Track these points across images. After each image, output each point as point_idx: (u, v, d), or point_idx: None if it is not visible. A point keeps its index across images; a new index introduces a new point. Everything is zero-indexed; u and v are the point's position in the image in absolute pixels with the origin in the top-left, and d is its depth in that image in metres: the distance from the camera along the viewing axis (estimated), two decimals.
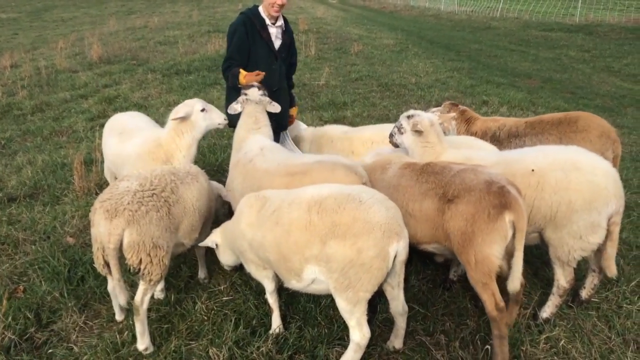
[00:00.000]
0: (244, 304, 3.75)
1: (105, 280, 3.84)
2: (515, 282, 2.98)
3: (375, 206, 2.84)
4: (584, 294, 3.59)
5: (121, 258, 3.19)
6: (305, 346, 3.27)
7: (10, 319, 3.59)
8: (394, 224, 2.81)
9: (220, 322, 3.55)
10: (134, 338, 3.42)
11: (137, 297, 3.28)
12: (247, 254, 3.32)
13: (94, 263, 4.14)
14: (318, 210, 2.89)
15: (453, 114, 5.10)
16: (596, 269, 3.52)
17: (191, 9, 28.36)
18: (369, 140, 4.87)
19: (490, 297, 3.00)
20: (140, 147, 4.46)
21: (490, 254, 2.97)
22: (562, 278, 3.38)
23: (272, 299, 3.44)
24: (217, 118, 4.47)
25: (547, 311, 3.47)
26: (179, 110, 4.41)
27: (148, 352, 3.32)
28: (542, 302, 3.63)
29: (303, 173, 3.51)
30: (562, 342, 3.26)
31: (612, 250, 3.27)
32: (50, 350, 3.41)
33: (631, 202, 5.33)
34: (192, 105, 4.43)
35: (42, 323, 3.67)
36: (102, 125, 5.15)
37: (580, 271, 3.71)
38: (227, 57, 4.89)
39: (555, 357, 3.17)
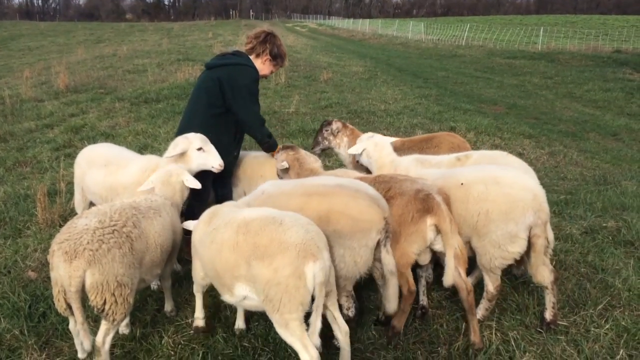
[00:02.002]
0: (212, 337, 3.66)
1: (67, 317, 3.70)
2: (448, 277, 3.34)
3: (294, 228, 2.91)
4: (547, 315, 3.67)
5: (84, 298, 3.08)
6: None
7: None
8: (311, 245, 2.85)
9: (188, 357, 3.45)
10: None
11: (99, 337, 3.15)
12: (196, 261, 3.53)
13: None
14: (244, 232, 2.99)
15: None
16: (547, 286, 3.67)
17: (161, 37, 28.41)
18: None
19: (404, 282, 3.48)
20: (138, 175, 4.37)
21: (409, 251, 3.43)
22: (490, 284, 3.65)
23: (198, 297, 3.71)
24: (212, 161, 4.31)
25: (479, 313, 3.68)
26: (177, 144, 4.27)
27: None
28: (510, 327, 3.65)
29: (321, 196, 3.38)
30: None
31: (536, 260, 3.48)
32: None
33: (595, 225, 5.45)
34: (191, 141, 4.31)
35: None
36: (68, 155, 5.04)
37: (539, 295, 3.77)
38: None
39: None
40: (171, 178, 4.01)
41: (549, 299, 3.64)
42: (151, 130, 9.62)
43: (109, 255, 3.08)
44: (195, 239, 3.45)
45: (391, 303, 3.37)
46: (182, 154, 4.31)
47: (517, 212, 3.37)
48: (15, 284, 4.36)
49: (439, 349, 3.44)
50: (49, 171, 7.54)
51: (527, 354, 3.35)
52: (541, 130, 10.62)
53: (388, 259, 3.29)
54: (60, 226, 5.29)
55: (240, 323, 3.77)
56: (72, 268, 2.98)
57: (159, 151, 8.02)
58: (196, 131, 4.63)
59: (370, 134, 4.58)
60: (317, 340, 2.86)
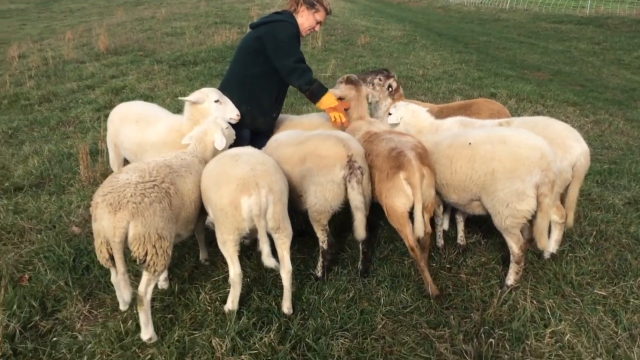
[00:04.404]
0: (247, 295, 3.75)
1: (109, 270, 3.83)
2: (418, 229, 3.57)
3: (242, 165, 3.40)
4: (551, 248, 3.99)
5: (125, 249, 3.19)
6: (307, 337, 3.26)
7: (15, 307, 3.61)
8: (250, 181, 3.29)
9: (224, 313, 3.54)
10: (137, 327, 3.43)
11: (141, 287, 3.27)
12: None
13: None
14: (217, 164, 3.61)
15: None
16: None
17: (198, 0, 28.29)
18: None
19: (405, 238, 3.69)
20: (165, 134, 4.48)
21: (393, 205, 3.68)
22: (513, 245, 3.67)
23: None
24: (229, 112, 4.41)
25: (510, 279, 3.70)
26: (192, 95, 4.40)
27: (152, 341, 3.32)
28: (546, 295, 3.60)
29: (302, 143, 3.94)
30: (567, 336, 3.22)
31: (542, 222, 3.49)
32: (54, 339, 3.41)
33: (639, 196, 5.27)
34: (207, 94, 4.38)
35: (47, 312, 3.68)
36: (109, 116, 5.11)
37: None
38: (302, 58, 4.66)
39: (561, 352, 3.13)
40: (206, 136, 4.04)
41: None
42: (189, 93, 9.62)
43: (151, 209, 3.18)
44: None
45: (359, 231, 3.71)
46: (202, 109, 4.35)
47: (523, 170, 3.43)
48: (60, 238, 4.53)
49: (472, 314, 3.43)
50: (90, 131, 7.72)
51: (563, 322, 3.30)
52: (586, 98, 10.22)
53: (353, 195, 3.67)
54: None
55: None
56: (117, 219, 3.08)
57: None
58: (234, 90, 4.68)
59: (403, 102, 4.52)
60: (269, 262, 3.30)
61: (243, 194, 3.28)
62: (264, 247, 3.30)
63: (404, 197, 3.64)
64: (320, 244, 3.92)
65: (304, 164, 3.79)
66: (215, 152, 4.08)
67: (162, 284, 3.91)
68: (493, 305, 3.43)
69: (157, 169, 3.49)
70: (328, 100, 4.54)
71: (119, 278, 3.19)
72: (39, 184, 5.79)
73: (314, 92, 4.54)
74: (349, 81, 4.66)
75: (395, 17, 24.11)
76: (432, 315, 3.44)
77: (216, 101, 4.36)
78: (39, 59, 13.03)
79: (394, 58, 13.39)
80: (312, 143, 3.88)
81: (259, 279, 3.96)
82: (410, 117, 4.37)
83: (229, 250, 3.46)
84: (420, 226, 3.56)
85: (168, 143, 4.45)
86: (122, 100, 9.29)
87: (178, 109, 8.50)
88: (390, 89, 4.96)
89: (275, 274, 3.93)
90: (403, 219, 3.68)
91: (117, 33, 17.17)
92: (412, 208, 3.61)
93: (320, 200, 3.76)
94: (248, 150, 3.74)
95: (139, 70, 11.97)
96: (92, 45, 15.27)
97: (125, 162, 5.04)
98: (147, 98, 9.55)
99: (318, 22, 4.87)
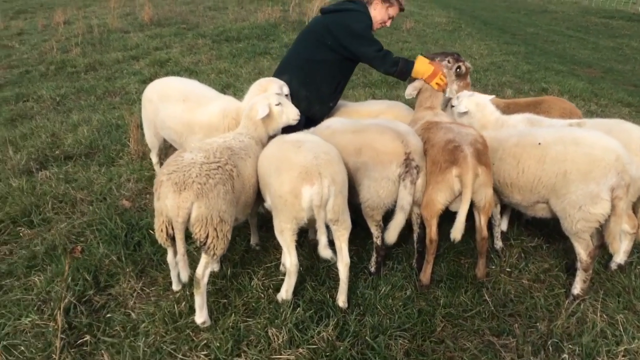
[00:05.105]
0: (300, 284, 3.66)
1: (161, 247, 3.78)
2: (456, 231, 3.42)
3: (305, 152, 3.27)
4: (620, 258, 3.84)
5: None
6: (365, 334, 3.17)
7: (69, 279, 3.60)
8: (313, 170, 3.15)
9: (277, 301, 3.47)
10: (191, 309, 3.39)
11: (199, 270, 3.22)
12: None
13: (150, 229, 4.20)
14: (278, 149, 3.49)
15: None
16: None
17: None
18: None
19: (429, 231, 3.65)
20: (217, 118, 4.31)
21: (434, 199, 3.55)
22: (581, 251, 3.48)
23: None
24: (291, 114, 3.95)
25: (577, 287, 3.53)
26: (259, 109, 3.79)
27: (205, 325, 3.28)
28: (617, 310, 3.43)
29: (359, 132, 3.78)
30: None
31: (615, 226, 3.34)
32: (108, 315, 3.40)
33: None
34: (270, 99, 3.88)
35: (100, 286, 3.67)
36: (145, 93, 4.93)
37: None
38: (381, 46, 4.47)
39: None
40: (251, 112, 3.85)
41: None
42: (233, 70, 9.61)
43: (215, 191, 3.12)
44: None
45: (390, 233, 3.58)
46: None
47: (598, 172, 3.30)
48: (112, 211, 4.51)
49: (538, 324, 3.29)
50: (137, 103, 7.70)
51: (636, 340, 3.13)
52: None
53: (403, 194, 3.52)
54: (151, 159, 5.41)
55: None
56: (181, 199, 3.03)
57: (241, 92, 7.98)
58: (295, 73, 4.57)
59: (468, 92, 4.30)
60: (326, 253, 3.21)
61: (305, 182, 3.15)
62: (322, 238, 3.21)
63: (449, 194, 3.52)
64: (374, 239, 3.80)
65: (359, 156, 3.64)
66: (268, 133, 3.92)
67: (215, 265, 3.85)
68: (561, 316, 3.28)
69: (221, 150, 3.42)
70: (422, 68, 4.28)
71: (178, 258, 3.15)
72: (88, 154, 5.80)
73: (403, 70, 4.34)
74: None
75: (439, 2, 23.56)
76: (495, 322, 3.31)
77: (277, 104, 3.91)
78: (84, 26, 13.07)
79: (440, 45, 13.05)
80: (369, 135, 3.70)
81: (312, 269, 3.87)
82: (474, 109, 4.17)
83: (287, 240, 3.35)
84: (461, 228, 3.41)
85: (220, 128, 4.31)
86: (167, 73, 9.28)
87: (223, 87, 8.47)
88: (458, 70, 4.68)
89: (328, 264, 3.85)
90: (435, 214, 3.60)
91: (160, 4, 17.13)
92: (450, 205, 3.56)
93: (374, 196, 3.63)
94: (310, 137, 3.61)
95: (183, 44, 11.92)
96: (135, 15, 15.27)
97: (164, 142, 4.95)
98: (191, 72, 9.51)
99: (390, 17, 4.72)
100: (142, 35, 12.60)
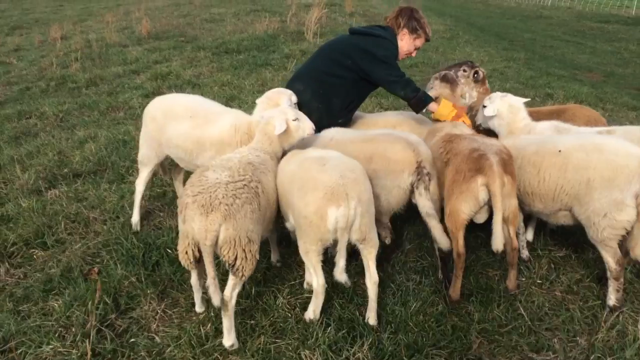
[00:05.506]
0: (327, 302, 3.55)
1: (180, 266, 3.67)
2: (496, 241, 3.32)
3: (331, 170, 3.13)
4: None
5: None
6: (401, 354, 3.06)
7: (90, 304, 3.48)
8: (340, 190, 3.02)
9: (305, 321, 3.36)
10: (216, 331, 3.29)
11: (227, 292, 3.11)
12: None
13: (168, 248, 4.09)
14: (300, 167, 3.32)
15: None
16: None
17: None
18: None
19: (455, 244, 3.52)
20: (229, 132, 4.18)
21: (459, 209, 3.46)
22: (609, 260, 3.42)
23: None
24: (307, 127, 3.81)
25: (611, 298, 3.44)
26: (277, 124, 3.65)
27: (234, 348, 3.17)
28: None
29: (369, 141, 3.81)
30: None
31: (638, 232, 3.31)
32: (132, 340, 3.28)
33: None
34: (286, 114, 3.77)
35: (121, 309, 3.55)
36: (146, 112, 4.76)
37: None
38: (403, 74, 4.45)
39: None
40: (268, 126, 3.70)
41: None
42: (236, 82, 9.54)
43: (242, 211, 3.03)
44: (278, 169, 3.64)
45: (441, 241, 3.55)
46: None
47: (622, 178, 3.26)
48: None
49: (577, 338, 3.19)
50: (141, 117, 7.58)
51: None
52: None
53: (422, 202, 3.56)
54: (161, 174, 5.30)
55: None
56: (209, 222, 2.93)
57: (246, 104, 7.94)
58: (310, 84, 4.56)
59: (501, 93, 4.20)
60: (342, 277, 3.11)
61: (331, 203, 3.02)
62: (340, 261, 3.09)
63: (473, 204, 3.44)
64: (383, 239, 3.85)
65: (370, 164, 3.62)
66: (283, 148, 3.79)
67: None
68: (601, 330, 3.18)
69: (244, 166, 3.32)
70: (445, 109, 4.23)
71: (208, 282, 3.02)
72: (97, 172, 5.69)
73: (421, 99, 4.28)
74: (444, 79, 4.41)
75: (435, 10, 23.66)
76: (533, 337, 3.21)
77: (295, 120, 3.77)
78: (82, 41, 13.03)
79: (440, 53, 13.04)
80: (380, 144, 3.72)
81: (338, 285, 3.74)
82: (506, 111, 4.08)
83: (312, 260, 3.23)
84: (500, 238, 3.33)
85: (232, 144, 4.15)
86: (169, 87, 9.22)
87: (227, 99, 8.39)
88: (476, 76, 4.62)
89: (353, 280, 3.75)
90: (461, 225, 3.51)
91: (157, 17, 17.12)
92: (474, 216, 3.49)
93: (384, 203, 3.68)
94: (333, 154, 3.46)
95: (182, 57, 11.88)
96: (132, 29, 15.25)
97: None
98: (193, 85, 9.45)
99: (416, 48, 4.70)
100: (141, 49, 12.56)
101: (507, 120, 4.07)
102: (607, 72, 12.90)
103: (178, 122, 4.36)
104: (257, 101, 4.39)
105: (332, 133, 4.14)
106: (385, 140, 3.75)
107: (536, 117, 4.27)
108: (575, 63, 13.76)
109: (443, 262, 3.81)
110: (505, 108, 4.07)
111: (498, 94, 4.16)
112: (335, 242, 3.17)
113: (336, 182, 3.05)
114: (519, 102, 4.12)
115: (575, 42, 17.40)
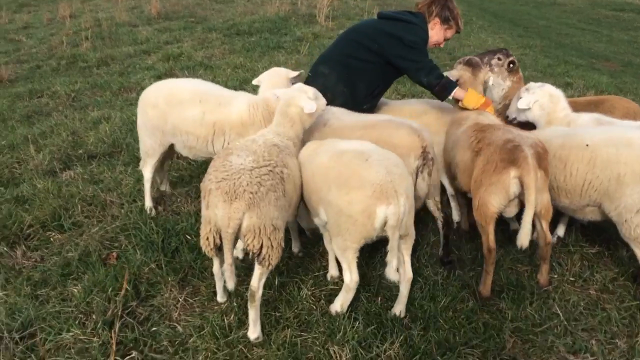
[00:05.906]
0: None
1: (201, 253, 3.56)
2: (523, 237, 3.21)
3: (377, 167, 2.99)
4: None
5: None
6: (432, 352, 2.96)
7: (110, 290, 3.38)
8: (388, 187, 2.91)
9: (330, 314, 3.26)
10: (240, 321, 3.20)
11: (254, 282, 3.01)
12: None
13: (187, 234, 3.99)
14: (338, 162, 3.13)
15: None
16: None
17: None
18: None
19: (485, 238, 3.45)
20: (247, 112, 4.05)
21: (488, 202, 3.36)
22: None
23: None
24: (322, 106, 3.71)
25: None
26: (304, 104, 3.52)
27: (259, 340, 3.07)
28: None
29: (371, 127, 3.75)
30: None
31: None
32: (154, 328, 3.19)
33: None
34: (307, 94, 3.62)
35: (141, 296, 3.46)
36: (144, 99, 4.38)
37: None
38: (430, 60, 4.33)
39: None
40: (290, 108, 3.54)
41: None
42: (249, 65, 9.35)
43: (267, 199, 2.91)
44: (300, 160, 3.49)
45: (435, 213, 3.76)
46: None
47: None
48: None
49: (616, 340, 3.08)
50: None
51: None
52: None
53: (422, 185, 3.57)
54: (177, 158, 5.18)
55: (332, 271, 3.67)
56: (232, 209, 2.82)
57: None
58: (336, 68, 4.46)
59: (539, 83, 4.05)
60: (395, 276, 2.96)
61: (380, 202, 2.90)
62: (393, 260, 2.94)
63: (504, 197, 3.34)
64: None
65: None
66: (304, 128, 3.64)
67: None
68: None
69: (268, 150, 3.19)
70: (473, 98, 4.05)
71: (224, 267, 2.92)
72: (112, 153, 5.57)
73: (445, 86, 4.11)
74: (467, 63, 4.21)
75: None
76: (570, 338, 3.10)
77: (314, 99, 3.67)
78: (92, 20, 12.79)
79: (455, 38, 12.71)
80: (385, 130, 3.68)
81: (364, 278, 3.64)
82: (547, 101, 3.94)
83: (349, 257, 3.11)
84: (527, 233, 3.22)
85: (255, 123, 4.05)
86: (182, 68, 9.04)
87: (241, 82, 8.22)
88: (511, 66, 4.47)
89: (378, 273, 3.65)
90: (491, 219, 3.42)
91: None
92: (504, 209, 3.40)
93: None
94: (372, 147, 3.25)
95: (193, 38, 11.64)
96: (142, 8, 14.97)
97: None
98: (206, 67, 9.26)
99: (445, 39, 4.58)
100: (151, 29, 12.32)
101: (548, 110, 3.93)
102: (625, 61, 12.66)
103: (185, 108, 4.12)
104: (255, 81, 4.46)
105: (325, 118, 3.95)
106: (389, 126, 3.71)
107: (573, 108, 4.12)
108: (592, 52, 13.50)
109: (446, 240, 3.85)
110: (545, 98, 3.93)
111: (536, 84, 4.01)
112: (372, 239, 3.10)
113: (384, 179, 2.94)
114: (559, 91, 3.98)
115: (591, 30, 17.09)
